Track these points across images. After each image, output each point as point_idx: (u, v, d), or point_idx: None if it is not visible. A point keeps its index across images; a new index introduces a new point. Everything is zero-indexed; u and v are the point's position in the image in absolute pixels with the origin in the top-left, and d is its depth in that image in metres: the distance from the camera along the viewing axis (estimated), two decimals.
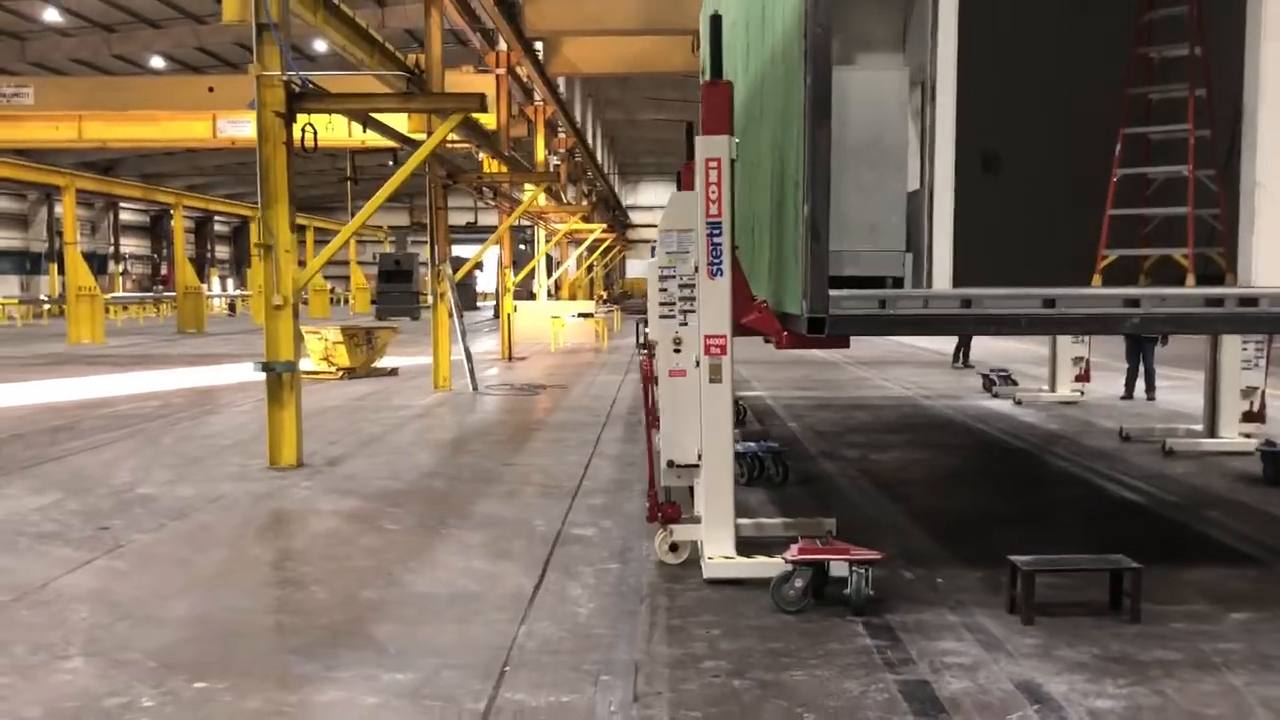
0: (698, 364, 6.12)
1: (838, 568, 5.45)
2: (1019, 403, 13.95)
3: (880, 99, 5.97)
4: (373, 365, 18.55)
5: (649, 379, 6.51)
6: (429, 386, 15.96)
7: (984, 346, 21.87)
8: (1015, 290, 5.61)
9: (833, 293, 5.38)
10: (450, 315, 16.08)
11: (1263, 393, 10.42)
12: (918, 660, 4.74)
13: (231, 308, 52.15)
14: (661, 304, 6.21)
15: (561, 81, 27.76)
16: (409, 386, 16.39)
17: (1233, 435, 10.21)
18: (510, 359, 21.60)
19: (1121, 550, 5.55)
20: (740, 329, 6.23)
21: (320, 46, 31.14)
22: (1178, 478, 8.98)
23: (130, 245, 59.54)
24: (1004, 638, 5.03)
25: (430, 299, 16.78)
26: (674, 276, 6.19)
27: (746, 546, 6.15)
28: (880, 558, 5.51)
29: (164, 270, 58.87)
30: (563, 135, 28.84)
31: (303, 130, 9.56)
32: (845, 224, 5.83)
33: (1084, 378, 14.24)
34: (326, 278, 62.38)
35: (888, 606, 5.48)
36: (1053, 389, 14.36)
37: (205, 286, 62.10)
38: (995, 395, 14.66)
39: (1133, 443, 10.69)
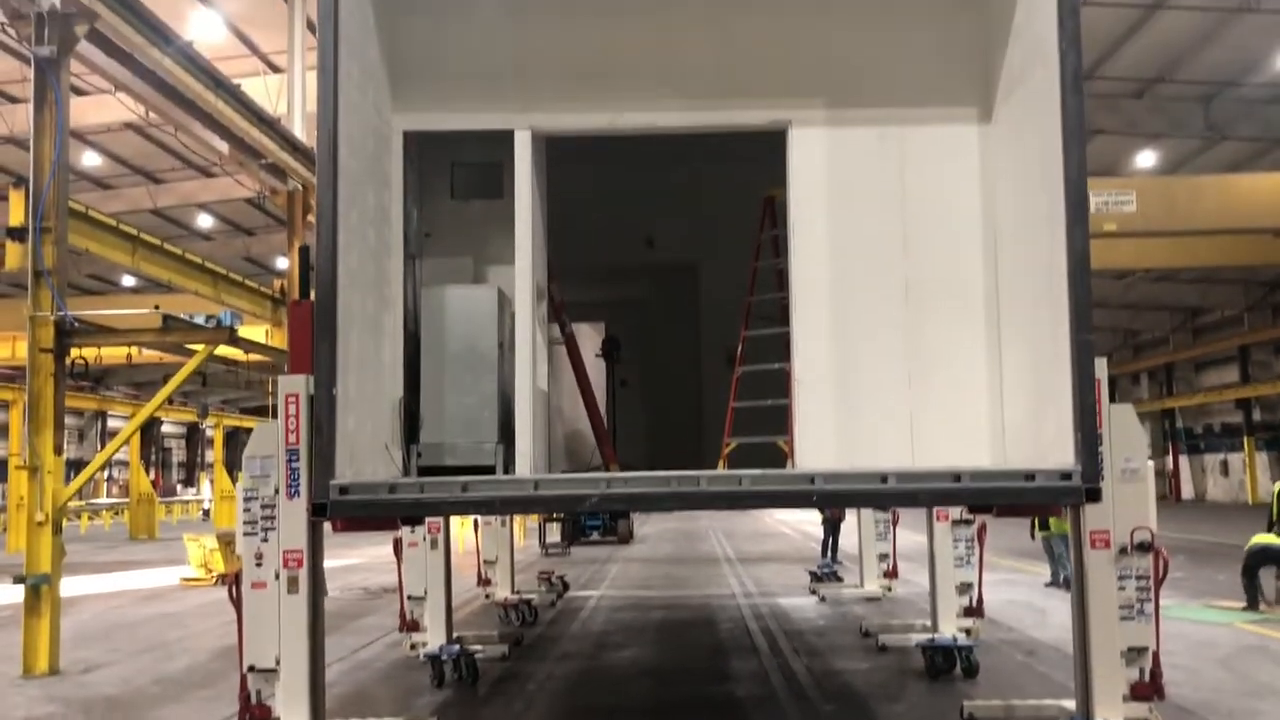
0: (277, 576, 6.86)
1: None
2: (822, 599, 14.42)
3: (474, 312, 7.19)
4: None
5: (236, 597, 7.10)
6: None
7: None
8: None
9: (333, 482, 6.25)
10: None
11: (978, 588, 10.91)
12: None
13: (206, 513, 53.02)
14: (246, 523, 6.99)
15: None
16: None
17: (949, 630, 10.65)
18: None
19: None
20: None
21: None
22: (851, 674, 9.46)
23: (119, 452, 61.35)
24: None
25: None
26: (257, 499, 7.00)
27: None
28: None
29: (152, 476, 60.43)
30: None
31: (72, 362, 10.70)
32: (444, 419, 6.87)
33: (891, 574, 14.72)
34: None
35: None
36: (862, 585, 14.85)
37: (195, 490, 63.68)
38: (813, 592, 15.11)
39: (869, 638, 11.15)
